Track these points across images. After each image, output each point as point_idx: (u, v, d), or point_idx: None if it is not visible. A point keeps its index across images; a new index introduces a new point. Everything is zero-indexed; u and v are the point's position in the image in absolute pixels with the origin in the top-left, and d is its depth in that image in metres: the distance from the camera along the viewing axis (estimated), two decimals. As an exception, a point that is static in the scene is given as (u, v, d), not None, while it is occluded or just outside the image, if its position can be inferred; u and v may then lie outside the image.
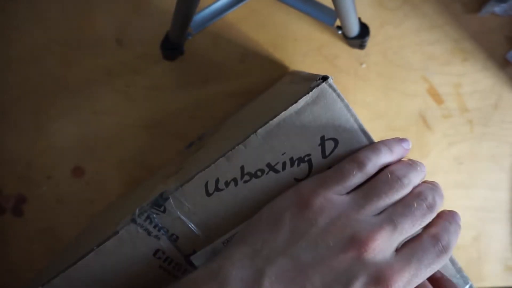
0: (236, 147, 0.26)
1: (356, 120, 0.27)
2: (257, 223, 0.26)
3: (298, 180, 0.27)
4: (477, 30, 0.45)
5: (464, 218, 0.48)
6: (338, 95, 0.26)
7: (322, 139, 0.26)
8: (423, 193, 0.26)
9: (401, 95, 0.45)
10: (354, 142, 0.27)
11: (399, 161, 0.27)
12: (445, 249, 0.25)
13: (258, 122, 0.27)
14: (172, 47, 0.43)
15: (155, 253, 0.28)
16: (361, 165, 0.25)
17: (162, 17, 0.44)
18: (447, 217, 0.27)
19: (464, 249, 0.46)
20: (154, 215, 0.27)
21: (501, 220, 0.46)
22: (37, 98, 0.45)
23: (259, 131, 0.26)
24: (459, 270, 0.28)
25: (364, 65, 0.45)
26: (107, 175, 0.45)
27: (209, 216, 0.27)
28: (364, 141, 0.27)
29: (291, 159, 0.27)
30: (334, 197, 0.25)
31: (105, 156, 0.45)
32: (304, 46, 0.45)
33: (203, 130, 0.45)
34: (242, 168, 0.26)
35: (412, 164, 0.26)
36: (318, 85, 0.26)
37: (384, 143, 0.26)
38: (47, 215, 0.45)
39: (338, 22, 0.42)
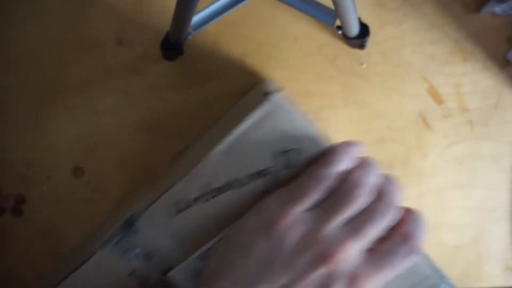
0: (200, 163, 0.27)
1: (313, 127, 0.27)
2: (228, 249, 0.26)
3: (263, 193, 0.27)
4: (477, 30, 0.45)
5: (464, 218, 0.48)
6: (292, 106, 0.27)
7: (283, 150, 0.27)
8: (383, 193, 0.26)
9: (401, 95, 0.45)
10: (314, 150, 0.27)
11: (357, 164, 0.27)
12: (414, 249, 0.25)
13: (222, 137, 0.27)
14: (172, 47, 0.43)
15: (131, 274, 0.28)
16: (320, 181, 0.25)
17: (162, 17, 0.44)
18: (413, 214, 0.27)
19: (464, 249, 0.46)
20: (127, 236, 0.27)
21: (501, 220, 0.46)
22: (37, 98, 0.45)
23: (218, 148, 0.27)
24: (435, 270, 0.28)
25: (364, 65, 0.45)
26: (107, 175, 0.45)
27: (182, 232, 0.28)
28: (323, 147, 0.27)
29: (254, 173, 0.27)
30: (299, 215, 0.25)
31: (105, 156, 0.45)
32: (304, 46, 0.45)
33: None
34: (208, 184, 0.27)
35: (369, 165, 0.27)
36: (270, 99, 0.26)
37: (338, 151, 0.26)
38: (47, 215, 0.45)
39: (338, 22, 0.42)
